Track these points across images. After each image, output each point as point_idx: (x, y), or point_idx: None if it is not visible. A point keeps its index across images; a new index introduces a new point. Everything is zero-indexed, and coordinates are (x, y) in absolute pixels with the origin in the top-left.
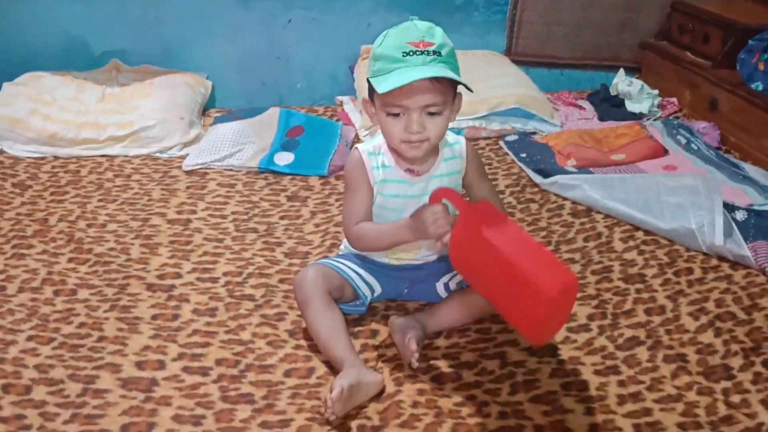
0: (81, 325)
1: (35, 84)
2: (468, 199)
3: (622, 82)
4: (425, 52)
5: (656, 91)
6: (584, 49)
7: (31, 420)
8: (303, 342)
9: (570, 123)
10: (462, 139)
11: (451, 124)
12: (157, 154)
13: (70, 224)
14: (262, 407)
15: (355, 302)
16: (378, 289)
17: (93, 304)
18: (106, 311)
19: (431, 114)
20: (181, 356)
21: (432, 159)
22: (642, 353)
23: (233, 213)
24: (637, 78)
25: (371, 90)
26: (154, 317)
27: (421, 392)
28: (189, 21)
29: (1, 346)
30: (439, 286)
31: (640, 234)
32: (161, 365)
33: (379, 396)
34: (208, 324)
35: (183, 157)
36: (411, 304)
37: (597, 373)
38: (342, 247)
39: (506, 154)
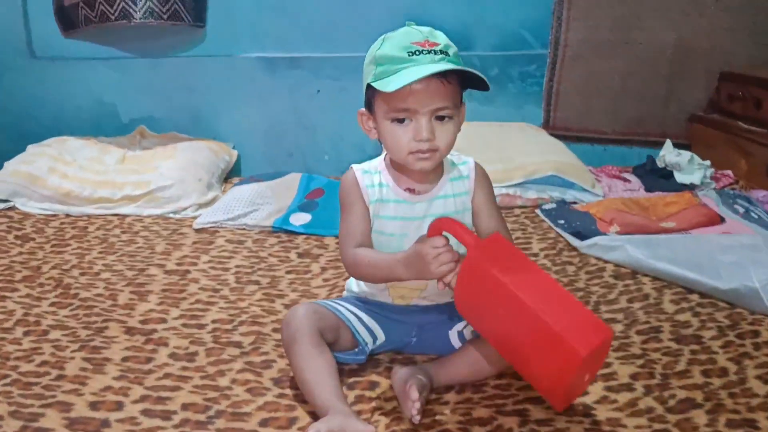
0: (42, 363)
1: (59, 145)
2: (473, 230)
3: (670, 153)
4: (432, 51)
5: (708, 162)
6: (626, 122)
7: None
8: (289, 391)
9: (613, 194)
10: (471, 159)
11: None
12: (171, 215)
13: (62, 272)
14: None
15: (354, 350)
16: (381, 337)
17: (62, 345)
18: (74, 351)
19: (441, 119)
20: (143, 398)
21: (436, 178)
22: (699, 417)
23: (237, 266)
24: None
25: (369, 101)
26: (125, 359)
27: None
28: (217, 89)
29: None
30: (453, 335)
31: (694, 296)
32: (118, 406)
33: None
34: (184, 368)
35: (196, 218)
36: (420, 358)
37: None
38: (345, 291)
39: (542, 221)
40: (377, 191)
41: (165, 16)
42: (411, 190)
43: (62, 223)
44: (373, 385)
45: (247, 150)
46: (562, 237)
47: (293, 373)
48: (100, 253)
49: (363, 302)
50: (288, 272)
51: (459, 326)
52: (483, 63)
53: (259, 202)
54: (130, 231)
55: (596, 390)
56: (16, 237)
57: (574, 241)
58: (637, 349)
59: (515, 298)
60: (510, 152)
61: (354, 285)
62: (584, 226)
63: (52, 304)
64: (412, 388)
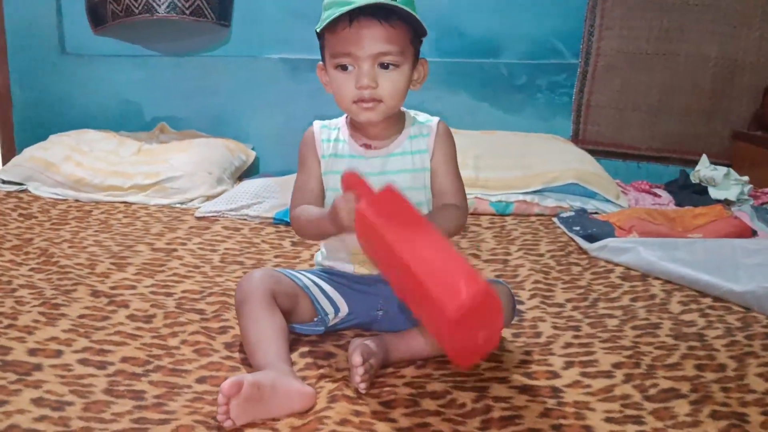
0: None
1: (78, 136)
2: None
3: (705, 168)
4: None
5: (746, 178)
6: (664, 138)
7: None
8: (237, 354)
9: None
10: (436, 119)
11: (497, 196)
12: (177, 205)
13: (51, 244)
14: (148, 405)
15: (313, 321)
16: (344, 309)
17: (24, 300)
18: (33, 306)
19: (386, 68)
20: (85, 350)
21: (395, 134)
22: (681, 406)
23: (226, 249)
24: None
25: (322, 52)
26: (81, 316)
27: (357, 413)
28: (239, 90)
29: None
30: None
31: (707, 300)
32: (57, 354)
33: (305, 413)
34: (138, 329)
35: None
36: None
37: (609, 420)
38: (315, 265)
39: (557, 228)
40: (332, 146)
41: (187, 12)
42: (367, 146)
43: (69, 207)
44: (328, 356)
45: (266, 152)
46: (574, 242)
47: (241, 334)
48: (95, 231)
49: (328, 273)
50: (276, 257)
51: None
52: (510, 71)
53: (264, 195)
54: (132, 216)
55: (569, 374)
56: (20, 215)
57: (585, 244)
58: (628, 341)
59: (396, 254)
60: (530, 159)
61: (319, 256)
62: (599, 232)
63: (31, 269)
64: (355, 353)
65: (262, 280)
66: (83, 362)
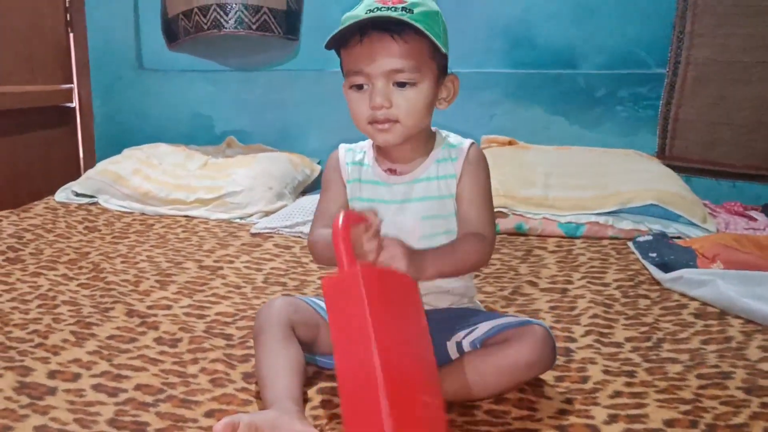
0: (33, 332)
1: (150, 150)
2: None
3: None
4: (393, 8)
5: None
6: (764, 155)
7: None
8: (253, 387)
9: (731, 232)
10: (468, 141)
11: (567, 217)
12: (237, 220)
13: (105, 259)
14: None
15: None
16: None
17: (61, 318)
18: (68, 324)
19: (402, 86)
20: (103, 374)
21: (422, 157)
22: None
23: (272, 269)
24: None
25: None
26: (110, 337)
27: None
28: (307, 104)
29: None
30: (451, 346)
31: None
32: (74, 378)
33: None
34: (162, 353)
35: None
36: None
37: None
38: None
39: (631, 253)
40: (356, 170)
41: (254, 27)
42: (392, 171)
43: (133, 220)
44: None
45: None
46: (647, 270)
47: (255, 366)
48: (151, 246)
49: None
50: (321, 278)
51: (458, 336)
52: (588, 82)
53: None
54: (190, 231)
55: (612, 431)
56: (85, 228)
57: (658, 274)
58: (689, 393)
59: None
60: (606, 178)
61: None
62: (677, 260)
63: (79, 284)
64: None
65: (280, 309)
66: (96, 388)
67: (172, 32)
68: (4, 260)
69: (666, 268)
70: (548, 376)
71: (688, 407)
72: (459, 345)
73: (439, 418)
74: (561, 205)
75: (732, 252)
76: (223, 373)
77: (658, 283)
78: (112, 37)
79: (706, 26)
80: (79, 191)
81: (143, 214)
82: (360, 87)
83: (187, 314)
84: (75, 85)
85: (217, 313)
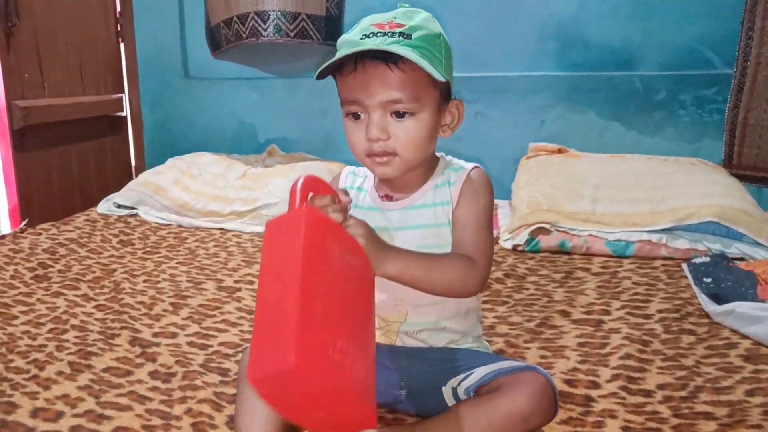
0: (32, 361)
1: (192, 159)
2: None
3: None
4: (388, 34)
5: None
6: None
7: None
8: None
9: None
10: (471, 165)
11: (616, 235)
12: None
13: (128, 277)
14: None
15: None
16: None
17: (65, 346)
18: (69, 353)
19: (399, 116)
20: (86, 413)
21: (419, 183)
22: None
23: None
24: None
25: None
26: (106, 369)
27: None
28: None
29: None
30: (447, 392)
31: None
32: (57, 417)
33: None
34: (153, 389)
35: None
36: (413, 420)
37: None
38: None
39: (684, 277)
40: (355, 195)
41: (292, 34)
42: (389, 197)
43: (168, 233)
44: None
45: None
46: (697, 300)
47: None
48: (178, 263)
49: None
50: None
51: (454, 381)
52: (646, 85)
53: None
54: (222, 246)
55: None
56: (120, 242)
57: (709, 305)
58: None
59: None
60: (663, 191)
61: None
62: (734, 288)
63: (95, 307)
64: None
65: None
66: (76, 429)
67: (215, 41)
68: (31, 278)
69: (719, 298)
70: (557, 430)
71: None
72: (455, 391)
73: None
74: (610, 221)
75: None
76: (208, 416)
77: (708, 316)
78: (159, 46)
79: None
80: (120, 202)
81: (180, 226)
82: (357, 116)
83: (190, 343)
84: (125, 94)
85: (220, 344)
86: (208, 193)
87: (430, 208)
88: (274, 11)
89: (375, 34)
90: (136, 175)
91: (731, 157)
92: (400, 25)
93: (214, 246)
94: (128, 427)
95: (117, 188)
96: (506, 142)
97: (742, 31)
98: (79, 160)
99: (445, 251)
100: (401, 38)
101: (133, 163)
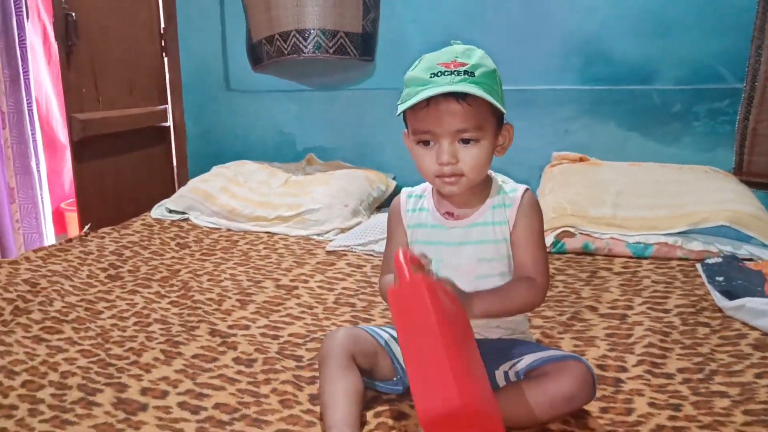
0: (129, 349)
1: (236, 168)
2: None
3: None
4: (455, 72)
5: None
6: None
7: (19, 412)
8: (317, 408)
9: None
10: (522, 187)
11: (636, 238)
12: (314, 236)
13: (194, 277)
14: None
15: (393, 380)
16: None
17: (154, 336)
18: (159, 343)
19: (465, 142)
20: (187, 392)
21: (478, 203)
22: None
23: (343, 288)
24: None
25: (405, 123)
26: (195, 356)
27: None
28: (383, 121)
29: (53, 353)
30: (499, 375)
31: None
32: (163, 395)
33: None
34: (238, 372)
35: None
36: None
37: None
38: None
39: (698, 276)
40: (416, 216)
41: (331, 50)
42: (450, 215)
43: (220, 236)
44: (400, 417)
45: (407, 182)
46: (711, 296)
47: (318, 391)
48: (235, 264)
49: None
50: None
51: (506, 366)
52: (663, 98)
53: None
54: (271, 248)
55: None
56: (177, 244)
57: (721, 301)
58: (732, 430)
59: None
60: (678, 198)
61: None
62: (744, 286)
63: (170, 302)
64: None
65: (342, 340)
66: (181, 405)
67: (256, 56)
68: (106, 277)
69: (730, 295)
70: (593, 407)
71: None
72: (506, 375)
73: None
74: (630, 224)
75: None
76: (292, 395)
77: (720, 310)
78: (202, 60)
79: None
80: (172, 208)
81: (229, 230)
82: (427, 143)
83: (263, 334)
84: (169, 106)
85: (290, 334)
86: (253, 200)
87: (489, 227)
88: (314, 29)
89: (443, 73)
90: (179, 183)
91: (741, 165)
92: (463, 64)
93: (264, 248)
94: (226, 403)
95: (162, 194)
96: (533, 151)
97: (751, 48)
98: (128, 168)
99: (502, 263)
100: (466, 76)
101: (175, 171)
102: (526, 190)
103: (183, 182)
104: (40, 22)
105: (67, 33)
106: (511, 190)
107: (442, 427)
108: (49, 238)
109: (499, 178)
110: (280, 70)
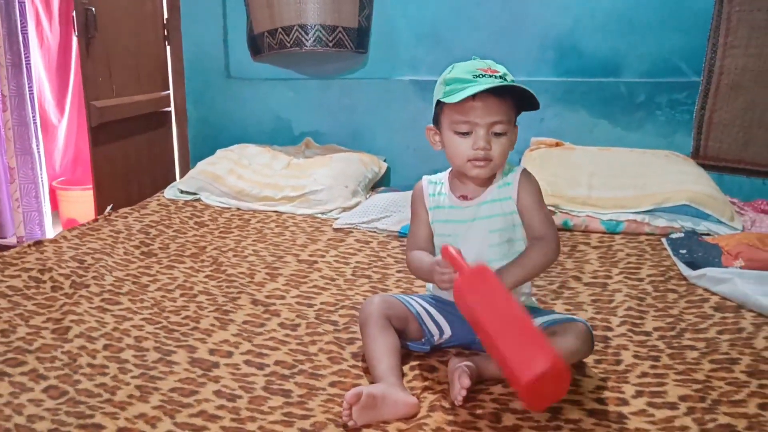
0: (186, 317)
1: (240, 151)
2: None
3: None
4: (494, 76)
5: None
6: None
7: (111, 370)
8: (360, 363)
9: (756, 229)
10: (519, 168)
11: (609, 216)
12: (319, 215)
13: (220, 253)
14: (294, 402)
15: (421, 341)
16: (447, 332)
17: (203, 305)
18: (210, 311)
19: (497, 135)
20: (248, 352)
21: (485, 185)
22: None
23: (357, 262)
24: None
25: (437, 117)
26: (245, 322)
27: (450, 423)
28: (374, 108)
29: (120, 320)
30: None
31: None
32: (228, 355)
33: (409, 419)
34: (287, 335)
35: (338, 219)
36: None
37: None
38: (426, 290)
39: (664, 249)
40: (437, 199)
41: (330, 44)
42: (464, 197)
43: (232, 215)
44: (432, 369)
45: (397, 164)
46: (677, 267)
47: (363, 350)
48: (253, 241)
49: (435, 300)
50: (398, 271)
51: None
52: (629, 89)
53: (392, 210)
54: (282, 225)
55: (637, 403)
56: (195, 223)
57: (686, 271)
58: (702, 375)
59: (483, 325)
60: (645, 179)
61: (430, 286)
62: (704, 258)
63: (206, 276)
64: (463, 377)
65: (379, 305)
66: (247, 363)
67: (256, 46)
68: (140, 254)
69: (693, 265)
70: (589, 360)
71: (699, 386)
72: None
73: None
74: (603, 204)
75: (753, 251)
76: (337, 353)
77: (685, 279)
78: (203, 49)
79: (740, 38)
80: (183, 189)
81: (239, 209)
82: (464, 134)
83: (298, 303)
84: (171, 92)
85: (322, 302)
86: (260, 181)
87: (498, 203)
88: (315, 24)
89: (484, 75)
90: (180, 165)
91: (698, 150)
92: (495, 71)
93: (276, 226)
94: (284, 361)
95: (164, 176)
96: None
97: (708, 46)
98: (135, 151)
99: (509, 231)
100: (502, 79)
101: (176, 153)
102: (523, 169)
103: (184, 164)
104: (33, 7)
105: (86, 26)
106: (510, 170)
107: (539, 385)
108: (48, 216)
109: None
110: (278, 59)
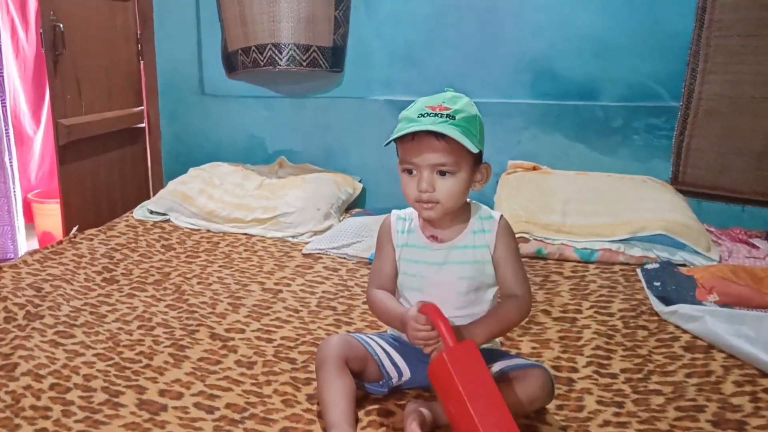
0: (140, 352)
1: (212, 170)
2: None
3: None
4: (438, 115)
5: None
6: None
7: (54, 413)
8: (315, 407)
9: (733, 260)
10: (498, 215)
11: (583, 244)
12: (290, 238)
13: (184, 280)
14: None
15: (379, 383)
16: (407, 374)
17: (160, 340)
18: (166, 346)
19: (442, 174)
20: (200, 393)
21: (460, 228)
22: None
23: (323, 292)
24: None
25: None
26: (200, 359)
27: None
28: (350, 128)
29: (71, 356)
30: None
31: (765, 381)
32: (179, 396)
33: None
34: (242, 374)
35: (309, 243)
36: None
37: None
38: (387, 328)
39: (638, 280)
40: (405, 237)
41: (304, 63)
42: (434, 238)
43: (201, 237)
44: (388, 414)
45: (371, 184)
46: (649, 301)
47: (317, 392)
48: (220, 266)
49: (396, 340)
50: (364, 302)
51: None
52: (605, 113)
53: (364, 234)
54: (251, 250)
55: None
56: (162, 246)
57: (658, 306)
58: (665, 424)
59: (464, 403)
60: (620, 206)
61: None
62: (678, 292)
63: (167, 306)
64: (413, 425)
65: (336, 346)
66: (197, 406)
67: (231, 64)
68: (102, 281)
69: (666, 300)
70: (551, 405)
71: None
72: None
73: None
74: (578, 231)
75: (728, 285)
76: (291, 395)
77: (657, 314)
78: (177, 66)
79: (718, 64)
80: (153, 209)
81: (209, 231)
82: (410, 172)
83: (258, 338)
84: (144, 108)
85: (282, 337)
86: (230, 202)
87: (471, 249)
88: (289, 43)
89: (428, 114)
90: (153, 182)
91: (677, 176)
92: (447, 108)
93: (245, 250)
94: (236, 404)
95: (136, 193)
96: (488, 159)
97: (687, 71)
98: (105, 170)
99: (480, 280)
100: (448, 119)
101: (150, 171)
102: (501, 216)
103: (157, 181)
104: (8, 17)
105: (54, 43)
106: (488, 216)
107: None
108: (21, 230)
109: (474, 204)
110: (253, 77)
